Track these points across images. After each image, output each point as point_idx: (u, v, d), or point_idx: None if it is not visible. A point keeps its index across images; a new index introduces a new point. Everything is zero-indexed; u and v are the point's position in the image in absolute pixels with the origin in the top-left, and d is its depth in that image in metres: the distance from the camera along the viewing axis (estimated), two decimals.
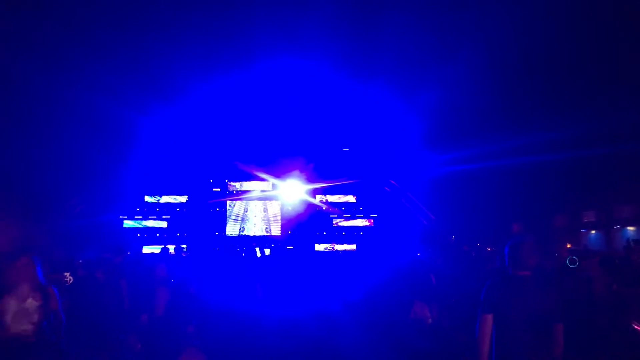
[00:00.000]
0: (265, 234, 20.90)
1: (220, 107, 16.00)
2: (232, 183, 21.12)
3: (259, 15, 11.72)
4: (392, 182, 21.52)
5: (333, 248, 20.83)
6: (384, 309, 5.67)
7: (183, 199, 20.78)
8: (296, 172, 20.23)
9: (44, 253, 10.50)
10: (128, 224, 20.15)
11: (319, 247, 20.81)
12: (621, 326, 4.57)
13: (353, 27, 12.32)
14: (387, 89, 14.59)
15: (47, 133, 14.20)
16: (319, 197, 21.27)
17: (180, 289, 5.80)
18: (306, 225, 20.81)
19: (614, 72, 12.98)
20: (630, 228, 18.66)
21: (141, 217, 20.33)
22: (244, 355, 4.91)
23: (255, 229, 20.95)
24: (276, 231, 20.97)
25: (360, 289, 6.35)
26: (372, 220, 21.58)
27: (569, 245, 17.20)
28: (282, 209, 21.15)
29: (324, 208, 21.26)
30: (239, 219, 20.93)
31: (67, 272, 7.80)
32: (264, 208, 21.17)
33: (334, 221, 21.43)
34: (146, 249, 18.64)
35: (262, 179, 20.81)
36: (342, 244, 21.02)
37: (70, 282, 7.49)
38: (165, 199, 20.65)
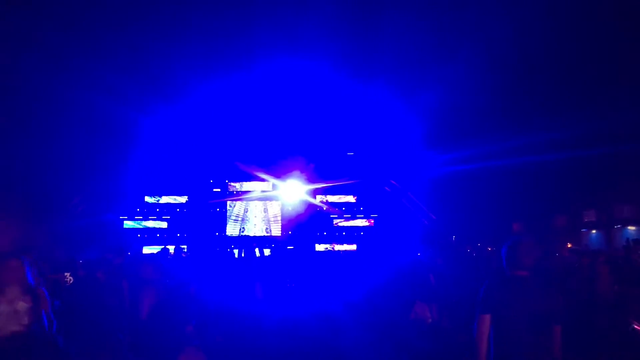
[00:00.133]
0: (266, 234, 20.88)
1: (220, 107, 16.01)
2: (232, 183, 21.11)
3: (259, 15, 11.73)
4: (393, 182, 21.51)
5: (333, 248, 20.82)
6: (384, 309, 5.67)
7: (183, 199, 20.77)
8: (296, 172, 20.22)
9: (44, 253, 10.53)
10: (128, 224, 20.15)
11: (320, 248, 20.79)
12: (622, 326, 4.57)
13: (353, 27, 12.33)
14: (387, 89, 14.60)
15: (48, 133, 14.20)
16: (319, 198, 21.26)
17: (180, 289, 5.79)
18: (306, 225, 20.80)
19: (614, 72, 12.98)
20: (631, 228, 18.65)
21: (141, 217, 20.32)
22: (244, 356, 4.90)
23: (255, 229, 20.94)
24: (276, 231, 20.96)
25: (361, 289, 6.35)
26: (372, 221, 21.57)
27: (569, 245, 17.19)
28: (282, 209, 21.13)
29: (324, 208, 21.25)
30: (239, 219, 20.92)
31: (68, 272, 7.80)
32: (264, 208, 21.16)
33: (335, 221, 21.42)
34: (146, 250, 18.63)
35: (262, 180, 20.79)
36: (342, 244, 21.00)
37: (71, 282, 7.49)
38: (165, 199, 20.64)
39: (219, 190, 21.00)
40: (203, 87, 14.33)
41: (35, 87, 12.68)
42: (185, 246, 18.17)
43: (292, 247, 19.89)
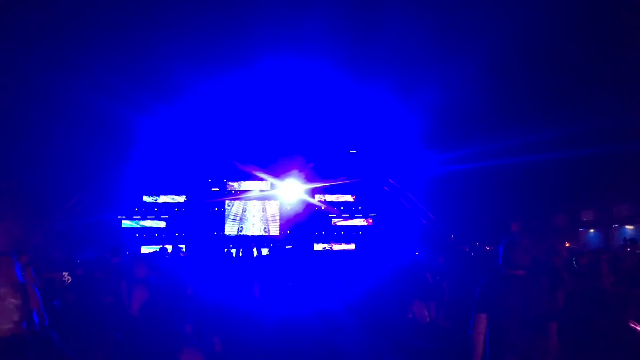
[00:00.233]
0: (264, 234, 20.87)
1: (219, 106, 15.99)
2: (230, 183, 21.09)
3: (258, 14, 11.70)
4: (391, 181, 21.52)
5: (331, 248, 20.82)
6: (382, 308, 5.66)
7: (181, 198, 20.75)
8: (295, 172, 20.22)
9: (42, 253, 10.52)
10: (126, 224, 20.12)
11: (318, 247, 20.79)
12: (620, 325, 4.56)
13: (351, 26, 12.31)
14: (386, 88, 14.59)
15: (45, 132, 14.17)
16: (317, 197, 21.26)
17: (176, 288, 5.78)
18: (305, 225, 20.80)
19: (614, 72, 12.98)
20: (629, 227, 18.68)
21: (139, 217, 20.29)
22: (242, 355, 4.89)
23: (253, 228, 20.93)
24: (275, 231, 20.95)
25: (359, 289, 6.34)
26: (370, 220, 21.57)
27: (568, 244, 17.21)
28: (280, 209, 21.12)
29: (322, 208, 21.25)
30: (238, 218, 20.90)
31: (66, 272, 7.80)
32: (263, 208, 21.15)
33: (333, 221, 21.42)
34: (144, 249, 18.60)
35: (261, 179, 20.79)
36: (340, 243, 21.00)
37: (69, 281, 7.48)
38: (163, 198, 20.62)
39: (217, 189, 20.99)
40: (201, 86, 14.32)
41: (32, 87, 12.65)
42: (183, 246, 18.14)
43: (290, 247, 19.89)
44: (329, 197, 21.48)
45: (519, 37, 11.78)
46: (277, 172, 20.37)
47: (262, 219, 21.06)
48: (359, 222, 21.57)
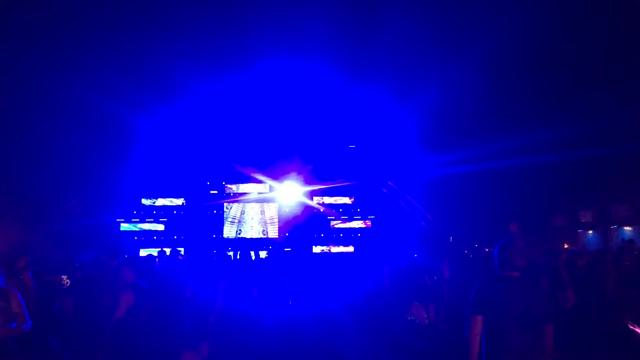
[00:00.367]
0: (263, 237, 20.85)
1: (217, 108, 16.00)
2: (229, 185, 21.08)
3: (257, 16, 11.71)
4: (390, 183, 21.52)
5: (330, 250, 20.81)
6: (381, 310, 5.66)
7: (180, 201, 20.73)
8: (293, 174, 20.21)
9: (41, 254, 10.49)
10: (125, 227, 20.09)
11: (317, 249, 20.78)
12: (618, 326, 4.57)
13: (351, 29, 12.32)
14: (385, 89, 14.60)
15: (45, 134, 14.15)
16: (316, 199, 21.25)
17: (174, 291, 5.78)
18: (303, 227, 20.78)
19: (613, 73, 13.01)
20: (627, 228, 18.70)
21: (138, 220, 20.27)
22: (242, 357, 4.89)
23: (252, 231, 20.91)
24: (273, 233, 20.93)
25: (358, 291, 6.35)
26: (369, 222, 21.56)
27: (566, 245, 17.22)
28: (279, 211, 21.11)
29: (321, 210, 21.24)
30: (236, 221, 20.89)
31: (65, 275, 7.77)
32: (261, 210, 21.13)
33: (332, 223, 21.41)
34: (143, 252, 18.58)
35: (259, 181, 20.78)
36: (339, 245, 20.99)
37: (68, 284, 7.46)
38: (161, 201, 20.60)
39: (215, 192, 20.97)
40: (200, 88, 14.32)
41: (32, 88, 12.64)
42: (182, 249, 18.12)
43: (289, 249, 19.89)
44: (328, 200, 21.47)
45: (516, 39, 11.80)
46: (276, 174, 20.37)
47: (260, 222, 21.04)
48: (358, 224, 21.56)
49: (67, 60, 12.00)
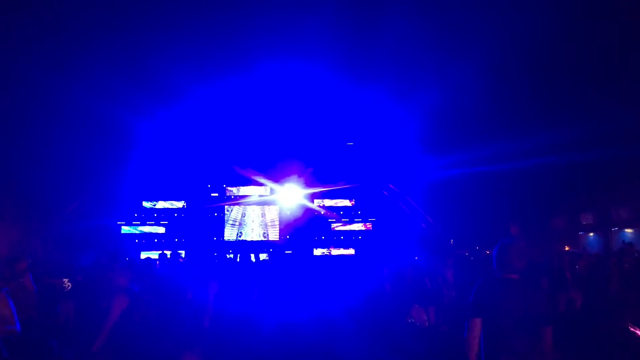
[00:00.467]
0: (263, 239, 20.85)
1: (217, 110, 15.99)
2: (229, 188, 21.10)
3: (257, 18, 11.71)
4: (391, 186, 21.52)
5: (330, 252, 20.81)
6: (381, 312, 5.66)
7: (180, 204, 20.74)
8: (294, 177, 20.23)
9: (41, 257, 10.50)
10: (125, 229, 20.10)
11: (317, 252, 20.77)
12: (619, 328, 4.56)
13: (351, 31, 12.32)
14: (385, 91, 14.60)
15: (45, 137, 14.17)
16: (316, 202, 21.25)
17: (174, 294, 5.78)
18: (304, 230, 20.78)
19: (613, 75, 13.00)
20: (628, 230, 18.67)
21: (139, 222, 20.28)
22: (242, 359, 4.89)
23: (253, 234, 20.91)
24: (274, 236, 20.93)
25: (359, 294, 6.34)
26: (370, 225, 21.56)
27: (567, 248, 17.20)
28: (279, 214, 21.12)
29: (322, 212, 21.24)
30: (237, 224, 20.89)
31: (66, 278, 7.78)
32: (262, 213, 21.14)
33: (332, 226, 21.41)
34: (144, 255, 18.58)
35: (260, 184, 20.79)
36: (340, 248, 20.99)
37: (69, 288, 7.47)
38: (162, 204, 20.61)
39: (216, 194, 20.99)
40: (201, 90, 14.31)
41: (32, 90, 12.64)
42: (183, 251, 18.12)
43: (289, 252, 19.89)
44: (328, 202, 21.48)
45: (517, 40, 11.79)
46: (276, 177, 20.39)
47: (261, 224, 21.05)
48: (358, 226, 21.55)
49: (67, 63, 12.01)
